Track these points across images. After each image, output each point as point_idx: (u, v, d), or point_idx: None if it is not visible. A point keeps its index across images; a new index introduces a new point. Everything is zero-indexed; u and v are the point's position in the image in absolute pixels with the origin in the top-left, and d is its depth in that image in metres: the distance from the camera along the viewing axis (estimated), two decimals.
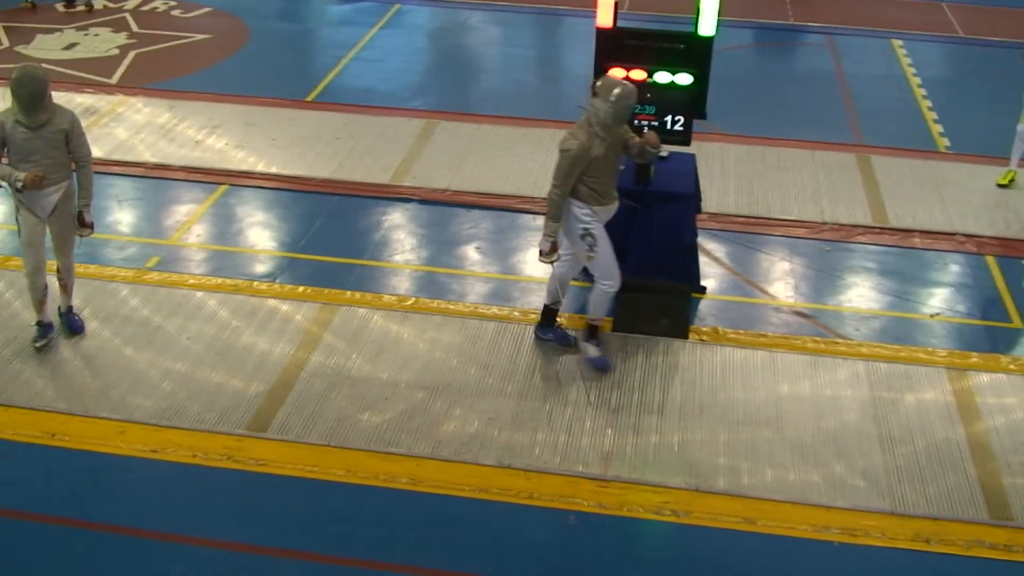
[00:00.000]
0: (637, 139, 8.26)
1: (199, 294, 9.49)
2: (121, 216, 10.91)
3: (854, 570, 6.96)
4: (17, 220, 8.37)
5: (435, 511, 7.28)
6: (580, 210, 8.20)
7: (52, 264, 8.67)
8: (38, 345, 8.65)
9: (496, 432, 7.97)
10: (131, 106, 13.34)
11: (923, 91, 14.68)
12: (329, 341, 8.92)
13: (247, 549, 6.96)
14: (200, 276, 9.79)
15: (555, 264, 8.45)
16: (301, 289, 9.63)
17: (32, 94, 7.94)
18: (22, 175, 7.92)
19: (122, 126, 12.78)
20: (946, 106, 14.20)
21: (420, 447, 7.79)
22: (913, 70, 15.46)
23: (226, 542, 7.00)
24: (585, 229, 8.22)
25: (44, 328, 8.72)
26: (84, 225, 8.51)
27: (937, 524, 7.25)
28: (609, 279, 8.47)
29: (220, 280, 9.72)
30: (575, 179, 8.05)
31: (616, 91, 7.86)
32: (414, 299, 9.55)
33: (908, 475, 7.66)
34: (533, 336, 8.99)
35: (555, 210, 8.12)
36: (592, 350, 8.73)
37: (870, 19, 17.64)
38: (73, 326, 8.87)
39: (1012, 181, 11.70)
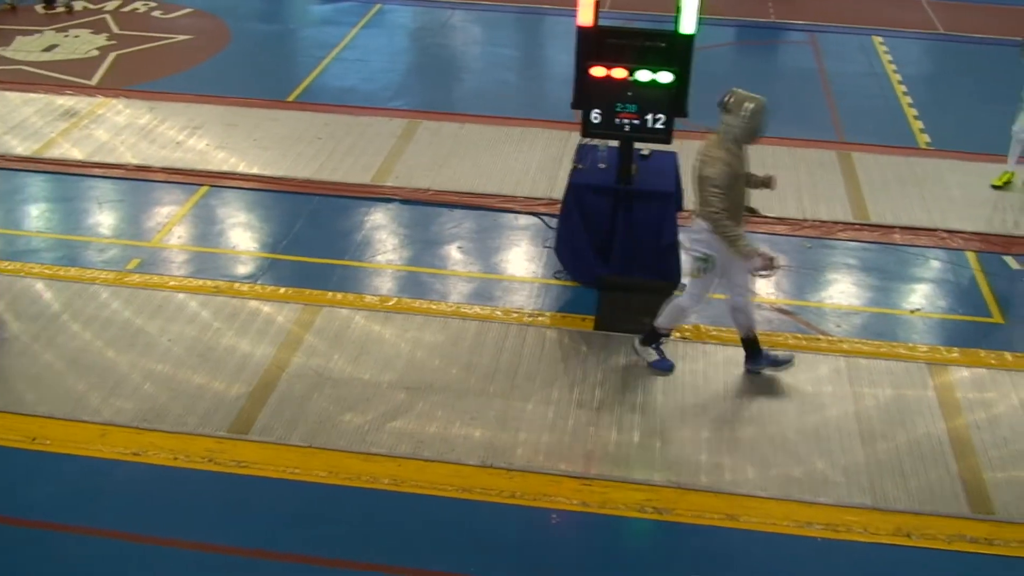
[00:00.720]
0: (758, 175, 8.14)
1: (180, 296, 9.46)
2: (102, 218, 10.87)
3: (836, 565, 6.97)
4: None
5: (418, 511, 7.26)
6: (710, 235, 7.94)
7: None
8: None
9: (478, 432, 7.96)
10: (111, 108, 13.29)
11: (904, 88, 14.73)
12: (311, 342, 8.90)
13: (230, 551, 6.93)
14: (181, 278, 9.76)
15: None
16: (283, 290, 9.61)
17: None
18: None
19: (102, 128, 12.73)
20: (927, 103, 14.25)
21: (402, 447, 7.78)
22: (894, 67, 15.50)
23: (208, 544, 6.97)
24: (708, 255, 8.02)
25: None
26: None
27: (919, 519, 7.28)
28: (694, 301, 8.34)
29: (201, 282, 9.69)
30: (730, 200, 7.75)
31: (748, 106, 7.64)
32: (396, 299, 9.54)
33: (889, 470, 7.69)
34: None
35: (733, 231, 7.76)
36: (653, 354, 8.63)
37: (851, 16, 17.69)
38: None
39: (1008, 183, 11.61)
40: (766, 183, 8.23)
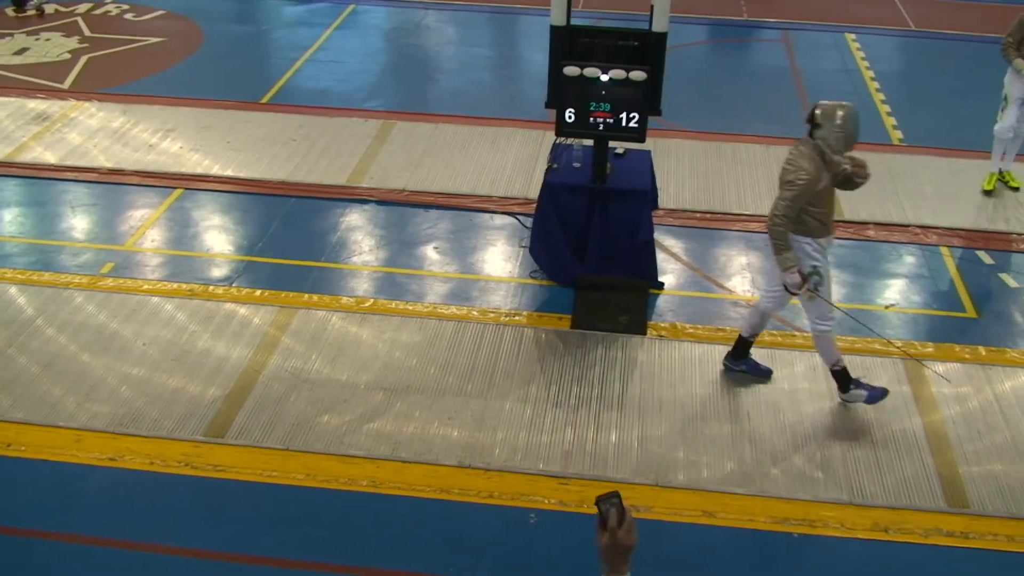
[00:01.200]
0: (845, 166, 7.79)
1: (155, 299, 9.42)
2: (75, 222, 10.81)
3: (814, 561, 7.01)
4: None
5: (396, 513, 7.26)
6: (808, 245, 7.72)
7: None
8: None
9: (456, 432, 7.96)
10: (84, 111, 13.22)
11: (877, 85, 14.80)
12: (287, 344, 8.88)
13: (207, 555, 6.91)
14: (156, 281, 9.72)
15: (761, 300, 8.30)
16: (258, 292, 9.58)
17: None
18: None
19: (75, 131, 12.66)
20: (899, 99, 14.32)
21: (380, 449, 7.78)
22: (867, 64, 15.57)
23: (186, 549, 6.95)
24: (814, 267, 7.75)
25: None
26: None
27: (895, 513, 7.32)
28: (825, 321, 7.95)
29: (176, 285, 9.65)
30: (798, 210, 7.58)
31: (840, 114, 7.50)
32: (372, 300, 9.52)
33: (866, 465, 7.73)
34: (721, 367, 8.67)
35: (784, 240, 7.56)
36: (861, 394, 8.18)
37: (824, 14, 17.76)
38: None
39: (996, 184, 11.56)
40: (852, 175, 7.83)
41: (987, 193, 11.50)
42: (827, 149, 7.56)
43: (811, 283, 7.73)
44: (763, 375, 8.58)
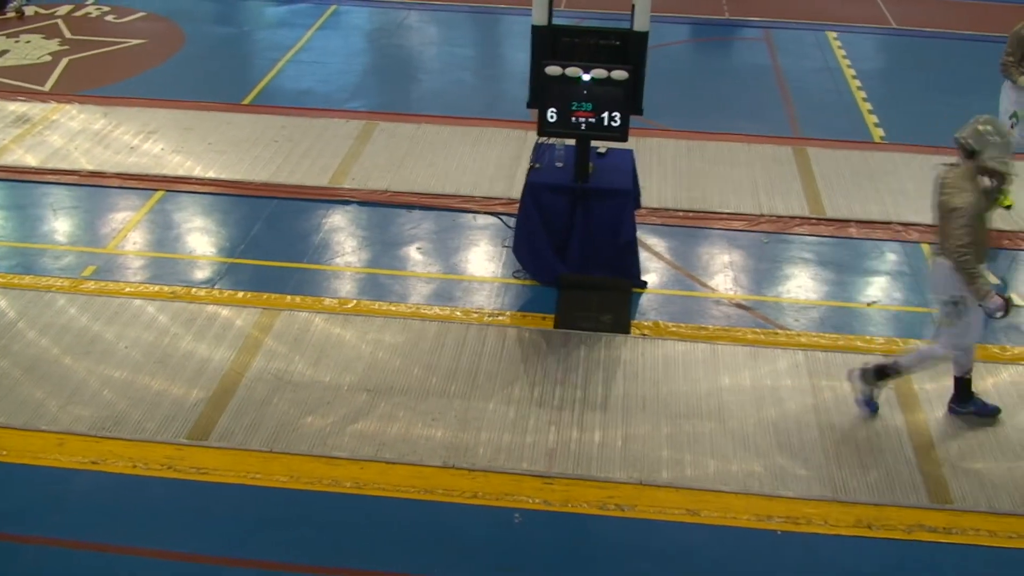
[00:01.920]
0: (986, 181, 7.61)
1: (137, 302, 9.39)
2: (57, 225, 10.76)
3: (797, 558, 7.02)
4: None
5: (380, 514, 7.25)
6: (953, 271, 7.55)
7: None
8: None
9: (440, 432, 7.96)
10: (65, 113, 13.17)
11: (858, 83, 14.84)
12: (270, 346, 8.86)
13: (191, 559, 6.89)
14: (137, 284, 9.68)
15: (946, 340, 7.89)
16: (240, 294, 9.56)
17: None
18: None
19: (56, 134, 12.61)
20: (881, 97, 14.37)
21: (364, 450, 7.76)
22: (848, 62, 15.62)
23: (169, 552, 6.92)
24: (958, 297, 7.60)
25: None
26: None
27: (878, 510, 7.35)
28: (956, 350, 7.86)
29: (158, 287, 9.62)
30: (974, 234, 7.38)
31: (988, 129, 7.35)
32: (356, 301, 9.51)
33: (849, 462, 7.76)
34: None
35: (975, 268, 7.37)
36: (869, 391, 8.19)
37: (805, 12, 17.81)
38: None
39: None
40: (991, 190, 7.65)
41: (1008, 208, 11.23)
42: (1000, 165, 7.38)
43: (949, 311, 7.65)
44: (991, 414, 8.19)
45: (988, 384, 8.55)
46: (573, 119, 9.13)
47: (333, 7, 17.71)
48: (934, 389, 8.48)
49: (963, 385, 8.18)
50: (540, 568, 6.92)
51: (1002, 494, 7.50)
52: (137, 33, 16.30)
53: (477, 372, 8.61)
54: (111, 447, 7.75)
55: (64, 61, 15.04)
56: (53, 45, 15.66)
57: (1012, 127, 10.90)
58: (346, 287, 9.83)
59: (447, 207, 11.14)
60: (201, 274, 9.93)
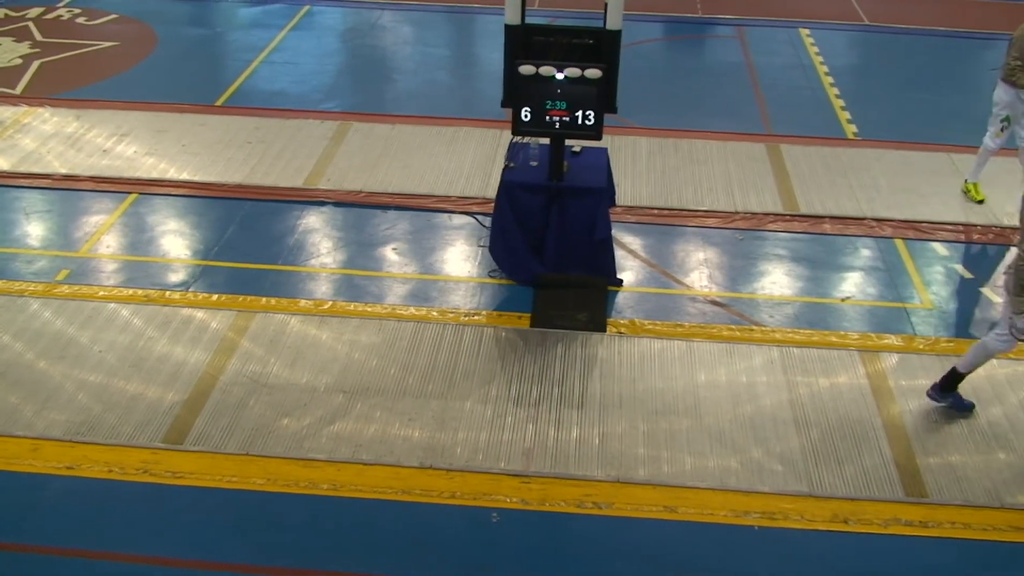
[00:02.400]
0: None
1: (111, 305, 9.33)
2: (29, 229, 10.68)
3: (774, 553, 7.05)
4: None
5: (358, 516, 7.24)
6: None
7: None
8: None
9: (417, 432, 7.95)
10: (37, 116, 13.08)
11: (831, 79, 14.91)
12: (246, 348, 8.83)
13: (168, 563, 6.86)
14: (112, 287, 9.62)
15: (991, 339, 7.90)
16: (215, 297, 9.52)
17: None
18: None
19: (28, 137, 12.52)
20: (853, 93, 14.44)
21: (341, 451, 7.75)
22: (821, 59, 15.70)
23: (146, 557, 6.89)
24: None
25: None
26: None
27: (855, 504, 7.39)
28: (1004, 339, 7.81)
29: (132, 291, 9.57)
30: None
31: None
32: (331, 302, 9.49)
33: (825, 457, 7.80)
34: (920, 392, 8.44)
35: None
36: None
37: (778, 10, 17.88)
38: None
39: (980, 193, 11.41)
40: None
41: (981, 203, 11.34)
42: None
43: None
44: (966, 409, 8.27)
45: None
46: (547, 118, 9.14)
47: (306, 7, 17.66)
48: (908, 385, 8.54)
49: (957, 379, 8.22)
50: (519, 567, 6.92)
51: (977, 487, 7.56)
52: (109, 35, 16.21)
53: (454, 372, 8.61)
54: (86, 452, 7.70)
55: (35, 64, 14.93)
56: (24, 48, 15.56)
57: (1002, 130, 11.00)
58: (322, 288, 9.81)
59: (422, 207, 11.13)
60: (175, 277, 9.89)
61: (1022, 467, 7.76)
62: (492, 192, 10.28)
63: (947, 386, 8.26)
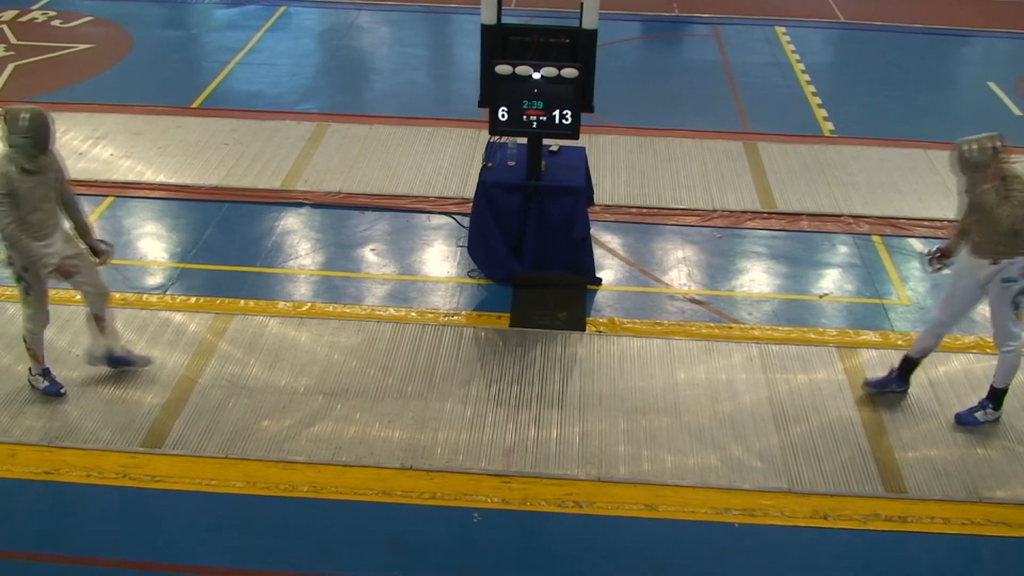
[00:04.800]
0: None
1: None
2: None
3: (755, 550, 7.06)
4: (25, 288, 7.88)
5: (338, 517, 7.22)
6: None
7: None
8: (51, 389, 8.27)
9: (397, 434, 7.94)
10: None
11: (807, 77, 14.98)
12: (224, 350, 8.80)
13: (147, 567, 6.83)
14: None
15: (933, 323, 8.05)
16: (193, 299, 9.48)
17: (48, 134, 7.42)
18: (52, 262, 7.64)
19: (3, 141, 12.41)
20: (830, 91, 14.51)
21: (321, 453, 7.73)
22: (797, 57, 15.76)
23: (126, 561, 6.86)
24: None
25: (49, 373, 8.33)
26: (102, 253, 8.21)
27: (834, 500, 7.41)
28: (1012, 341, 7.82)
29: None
30: None
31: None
32: (310, 304, 9.47)
33: (804, 453, 7.82)
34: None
35: None
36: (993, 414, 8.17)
37: (754, 8, 17.95)
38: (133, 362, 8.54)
39: None
40: None
41: None
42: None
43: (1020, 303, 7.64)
44: (891, 389, 8.40)
45: (940, 372, 8.65)
46: (524, 117, 9.14)
47: (283, 8, 17.61)
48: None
49: (910, 365, 8.30)
50: (500, 567, 6.93)
51: (955, 482, 7.59)
52: (84, 38, 16.12)
53: (433, 372, 8.60)
54: (65, 456, 7.66)
55: (10, 67, 14.84)
56: None
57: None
58: (300, 290, 9.78)
59: (401, 208, 11.12)
60: (153, 280, 9.84)
61: (1000, 462, 7.80)
62: (470, 192, 10.27)
63: (902, 375, 8.34)
